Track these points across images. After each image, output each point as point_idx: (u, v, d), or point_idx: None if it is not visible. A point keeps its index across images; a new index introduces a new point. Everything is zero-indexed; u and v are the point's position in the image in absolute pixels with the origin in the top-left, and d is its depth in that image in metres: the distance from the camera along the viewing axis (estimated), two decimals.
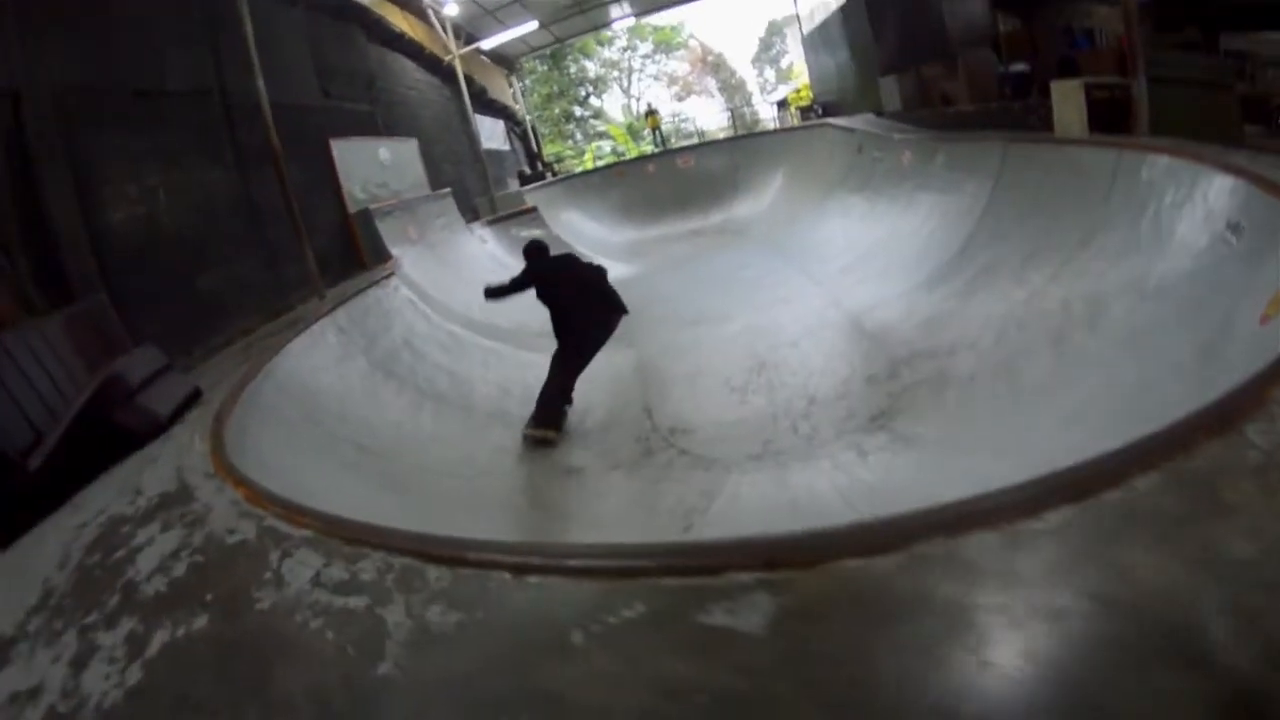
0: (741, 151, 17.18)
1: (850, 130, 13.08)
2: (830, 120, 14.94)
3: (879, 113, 13.98)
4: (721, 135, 23.07)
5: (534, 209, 12.46)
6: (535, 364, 5.88)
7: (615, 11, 20.35)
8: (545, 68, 30.79)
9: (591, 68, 34.45)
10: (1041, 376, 4.19)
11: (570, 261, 5.89)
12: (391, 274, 7.41)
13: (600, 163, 22.49)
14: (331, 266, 8.00)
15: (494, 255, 10.61)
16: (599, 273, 5.66)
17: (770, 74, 40.49)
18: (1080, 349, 4.09)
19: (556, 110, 32.17)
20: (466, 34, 15.62)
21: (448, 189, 11.26)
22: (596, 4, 19.25)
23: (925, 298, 6.52)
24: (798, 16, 20.24)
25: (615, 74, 35.15)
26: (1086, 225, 5.35)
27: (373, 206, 9.04)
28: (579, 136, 31.33)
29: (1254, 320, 2.69)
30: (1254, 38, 6.67)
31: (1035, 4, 13.65)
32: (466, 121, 14.50)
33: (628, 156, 23.45)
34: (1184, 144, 4.92)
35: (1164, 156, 4.52)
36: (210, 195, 6.87)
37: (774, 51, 40.90)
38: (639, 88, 35.50)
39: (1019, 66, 10.81)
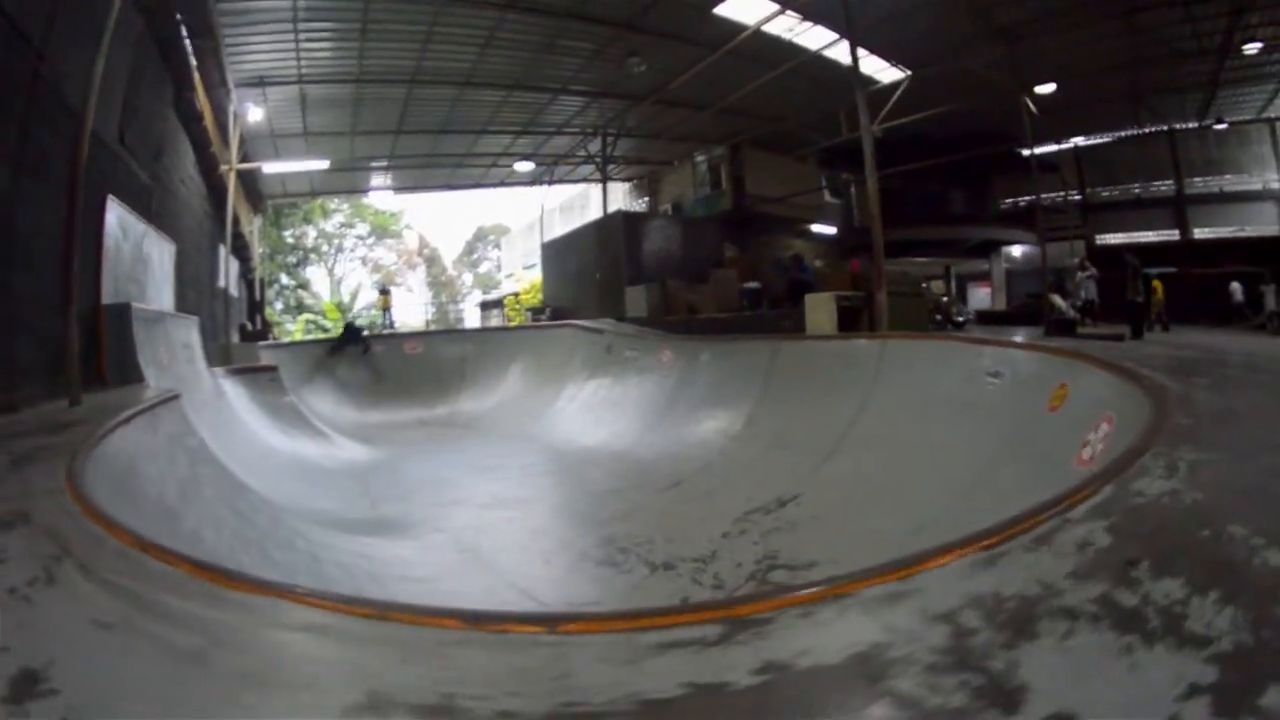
0: (473, 342, 18.87)
1: (598, 331, 15.68)
2: (572, 321, 17.66)
3: (619, 318, 17.10)
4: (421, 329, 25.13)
5: (275, 368, 12.14)
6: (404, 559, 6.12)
7: (377, 180, 21.99)
8: (266, 223, 30.56)
9: (311, 235, 34.94)
10: (872, 493, 6.06)
11: None
12: (174, 398, 6.16)
13: (309, 337, 22.35)
14: (50, 371, 6.08)
15: (246, 417, 10.00)
16: None
17: (468, 277, 45.19)
18: (906, 462, 6.11)
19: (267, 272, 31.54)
20: (244, 152, 15.62)
21: (195, 318, 10.53)
22: (364, 167, 20.87)
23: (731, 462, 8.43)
24: (540, 222, 24.16)
25: (327, 248, 36.06)
26: (863, 392, 7.95)
27: (136, 305, 7.91)
28: (279, 305, 30.61)
29: (1045, 411, 4.83)
30: (900, 261, 10.86)
31: (749, 237, 19.27)
32: (215, 248, 13.95)
33: (333, 335, 23.78)
34: (933, 332, 7.84)
35: (934, 341, 7.24)
36: None
37: (475, 256, 46.25)
38: (343, 268, 36.64)
39: (752, 284, 14.88)
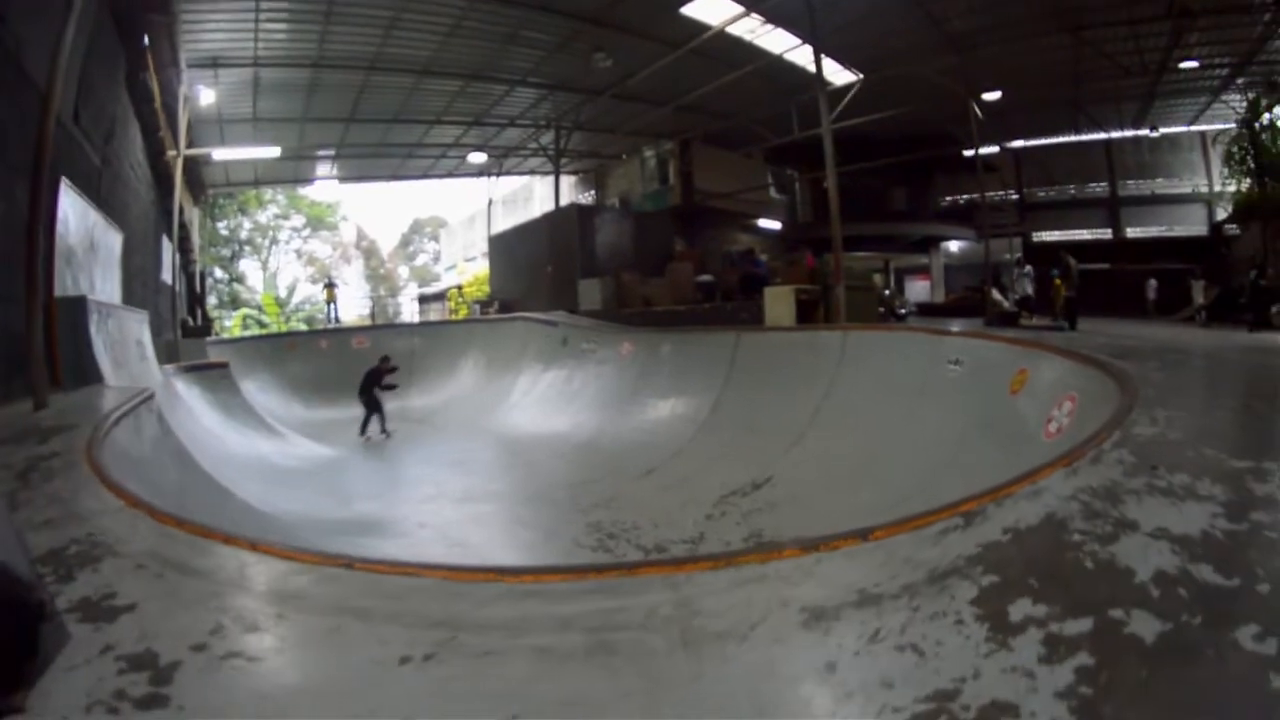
0: (421, 335, 18.85)
1: (551, 323, 15.89)
2: (524, 314, 17.82)
3: (573, 310, 17.35)
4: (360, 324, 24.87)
5: (226, 364, 11.89)
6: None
7: (323, 169, 21.72)
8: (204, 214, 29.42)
9: (246, 227, 33.85)
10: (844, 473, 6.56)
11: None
12: (149, 397, 5.98)
13: (248, 333, 21.91)
14: (5, 371, 5.67)
15: (203, 417, 9.74)
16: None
17: (404, 270, 44.61)
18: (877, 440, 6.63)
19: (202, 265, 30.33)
20: (190, 137, 15.10)
21: (145, 312, 10.18)
22: (312, 156, 20.55)
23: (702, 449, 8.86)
24: (488, 214, 24.13)
25: (261, 241, 34.99)
26: (827, 379, 8.47)
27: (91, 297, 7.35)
28: (212, 300, 29.58)
29: (1007, 394, 5.38)
30: (832, 221, 11.48)
31: (697, 231, 19.77)
32: (159, 239, 13.45)
33: (273, 330, 23.38)
34: (892, 324, 8.40)
35: (895, 332, 7.80)
36: None
37: (411, 249, 45.67)
38: (278, 260, 35.64)
39: (706, 277, 15.35)
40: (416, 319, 31.95)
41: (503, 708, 1.48)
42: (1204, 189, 24.81)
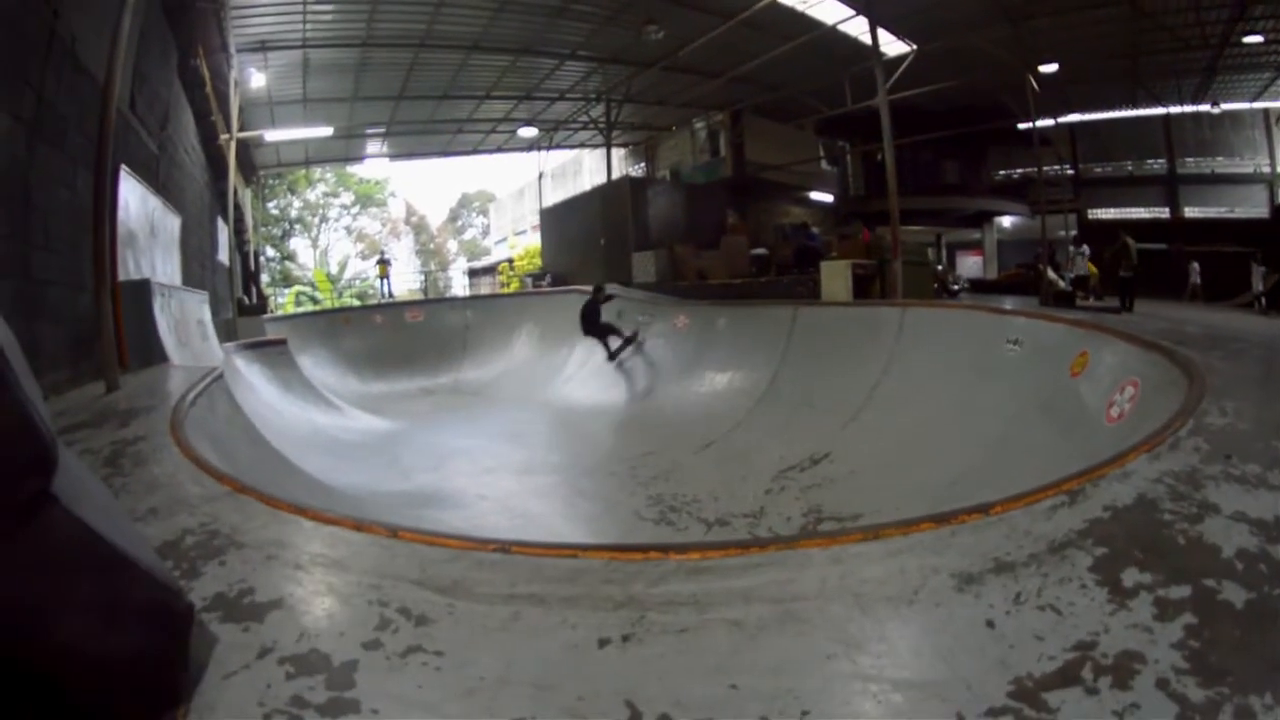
0: (474, 309, 19.25)
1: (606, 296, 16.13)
2: (581, 287, 18.06)
3: (626, 283, 17.55)
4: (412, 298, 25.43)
5: (284, 341, 12.31)
6: None
7: (373, 147, 22.27)
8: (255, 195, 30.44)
9: (295, 206, 34.77)
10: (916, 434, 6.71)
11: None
12: (219, 376, 5.99)
13: (301, 309, 22.62)
14: (73, 355, 5.87)
15: (264, 393, 10.06)
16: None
17: (453, 245, 45.24)
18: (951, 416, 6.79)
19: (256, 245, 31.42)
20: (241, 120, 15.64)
21: (205, 292, 10.70)
22: (361, 134, 20.99)
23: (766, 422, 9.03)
24: (540, 188, 24.37)
25: (311, 219, 35.94)
26: (886, 356, 8.60)
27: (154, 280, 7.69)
28: (264, 278, 30.70)
29: (1068, 376, 5.48)
30: (889, 194, 11.45)
31: (748, 203, 19.74)
32: (214, 220, 14.06)
33: (326, 306, 24.04)
34: (947, 300, 8.46)
35: (953, 310, 7.87)
36: None
37: (460, 223, 46.25)
38: (327, 238, 36.55)
39: (760, 250, 15.41)
40: (467, 293, 32.57)
41: (719, 679, 1.61)
42: (1266, 169, 23.80)
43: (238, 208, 17.19)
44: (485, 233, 43.77)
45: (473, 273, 38.57)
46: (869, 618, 1.81)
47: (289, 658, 1.70)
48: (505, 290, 26.48)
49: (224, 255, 15.10)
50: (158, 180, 9.50)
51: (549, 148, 24.04)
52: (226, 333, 11.76)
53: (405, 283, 32.79)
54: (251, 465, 4.70)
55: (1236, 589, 1.75)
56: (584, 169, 28.34)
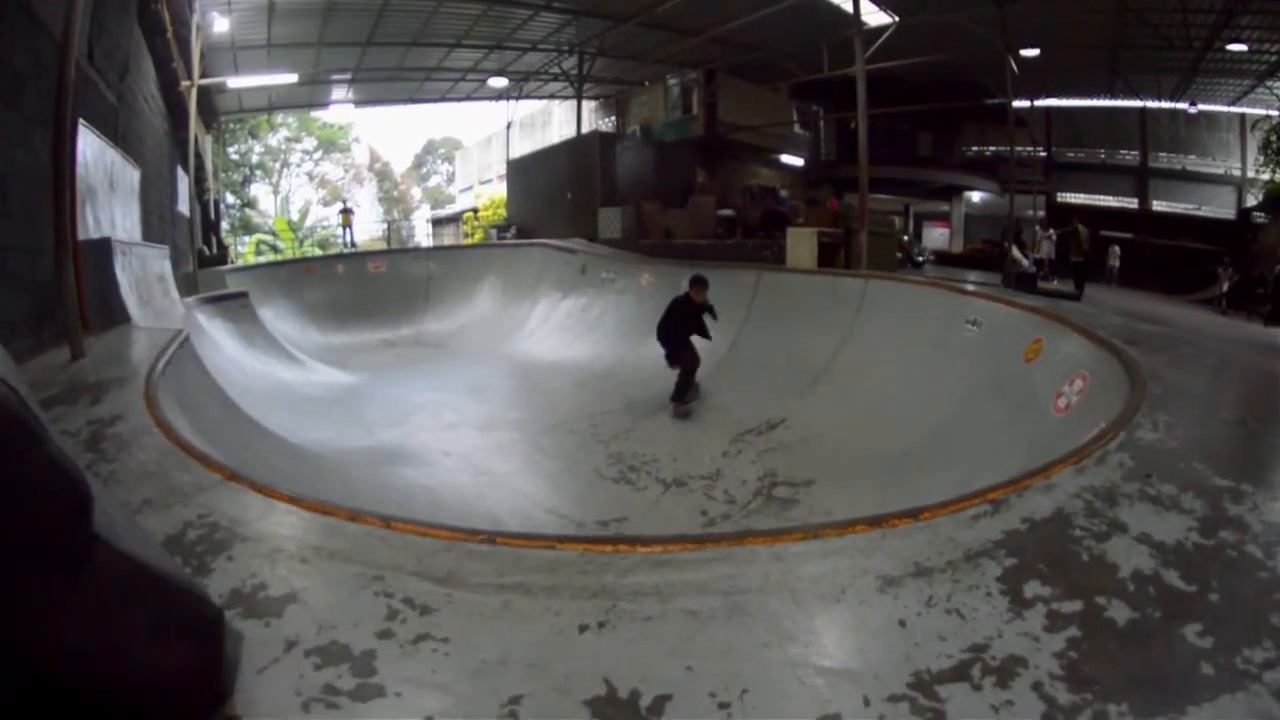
0: (438, 261, 19.02)
1: (570, 251, 16.08)
2: (542, 240, 18.00)
3: (592, 239, 17.54)
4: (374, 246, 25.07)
5: (245, 293, 12.02)
6: None
7: (338, 93, 21.70)
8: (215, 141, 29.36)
9: (257, 152, 33.68)
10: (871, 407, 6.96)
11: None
12: (185, 339, 5.88)
13: (262, 258, 22.16)
14: (34, 321, 5.69)
15: (227, 348, 9.82)
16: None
17: (417, 192, 44.48)
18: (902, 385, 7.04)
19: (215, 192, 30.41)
20: (203, 67, 15.06)
21: (166, 247, 10.40)
22: (327, 80, 20.40)
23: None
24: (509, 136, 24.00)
25: (272, 164, 34.94)
26: (846, 326, 8.83)
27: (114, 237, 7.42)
28: (224, 226, 29.88)
29: (1021, 361, 5.74)
30: (860, 169, 11.63)
31: (718, 163, 19.78)
32: (174, 171, 13.52)
33: (287, 255, 23.61)
34: (911, 274, 8.68)
35: (916, 285, 8.07)
36: None
37: (424, 170, 45.43)
38: (289, 184, 35.60)
39: (727, 211, 15.53)
40: (430, 242, 32.10)
41: (677, 661, 1.83)
42: (1236, 172, 24.44)
43: (198, 156, 16.69)
44: (450, 180, 43.10)
45: (436, 222, 38.02)
46: (801, 612, 2.02)
47: (313, 649, 1.85)
48: (469, 241, 26.25)
49: (184, 206, 14.67)
50: (116, 133, 9.00)
51: (518, 97, 23.66)
52: (188, 286, 11.45)
53: (368, 230, 32.27)
54: (222, 430, 4.77)
55: (1123, 607, 1.93)
56: (553, 120, 28.00)
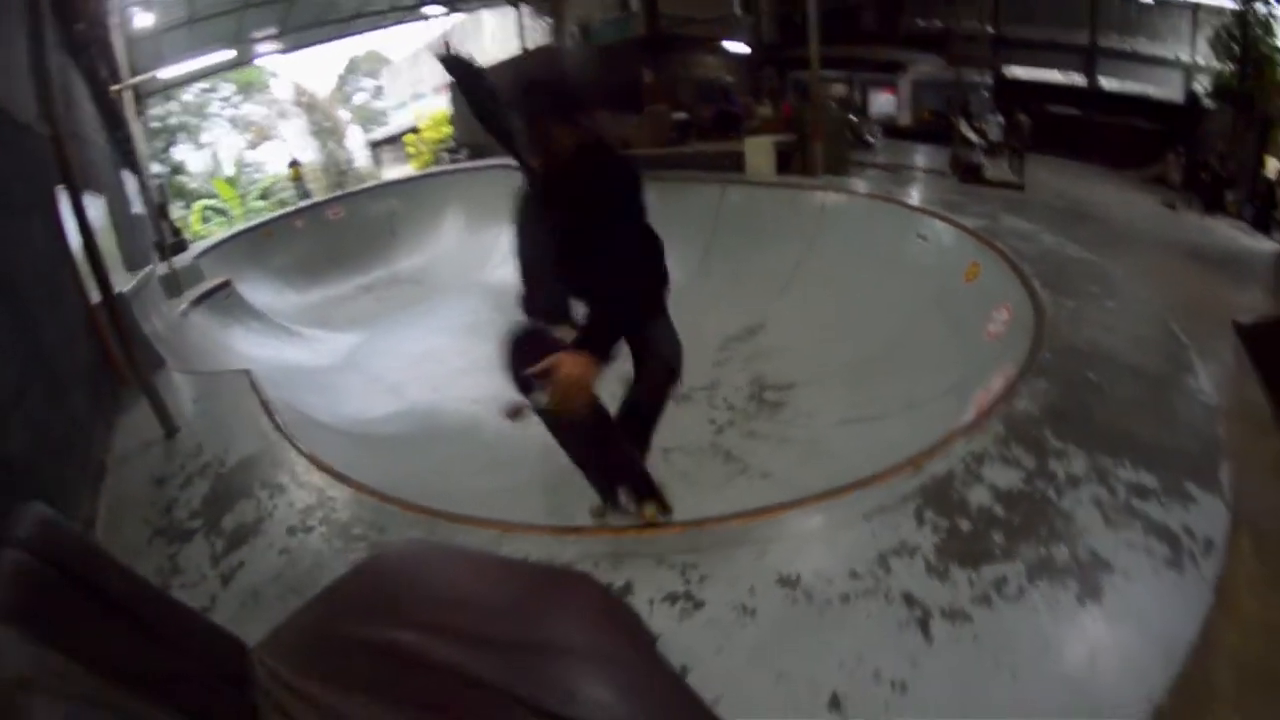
0: (398, 196, 19.10)
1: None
2: (502, 162, 18.24)
3: None
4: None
5: (228, 282, 11.87)
6: None
7: (266, 46, 20.90)
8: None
9: (174, 112, 32.14)
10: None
11: None
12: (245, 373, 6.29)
13: (209, 225, 21.88)
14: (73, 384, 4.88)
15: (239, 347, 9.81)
16: None
17: (344, 114, 42.83)
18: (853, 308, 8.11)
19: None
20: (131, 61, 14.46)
21: (152, 267, 10.31)
22: (255, 40, 19.72)
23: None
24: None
25: (193, 120, 33.42)
26: (808, 239, 9.83)
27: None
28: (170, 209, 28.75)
29: (962, 281, 6.76)
30: (810, 74, 12.31)
31: (664, 59, 19.80)
32: (119, 176, 13.00)
33: (234, 215, 23.24)
34: (864, 187, 9.65)
35: (872, 200, 9.07)
36: None
37: (348, 89, 43.78)
38: (211, 135, 34.22)
39: (681, 115, 16.08)
40: (369, 165, 31.34)
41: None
42: (1186, 59, 24.88)
43: (134, 152, 16.25)
44: (378, 94, 41.80)
45: (374, 144, 37.14)
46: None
47: None
48: (414, 164, 26.10)
49: (138, 205, 14.40)
50: (88, 175, 8.50)
51: (450, 10, 23.21)
52: (169, 288, 11.10)
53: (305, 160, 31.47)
54: (329, 448, 5.03)
55: (967, 524, 2.99)
56: (484, 28, 27.38)
